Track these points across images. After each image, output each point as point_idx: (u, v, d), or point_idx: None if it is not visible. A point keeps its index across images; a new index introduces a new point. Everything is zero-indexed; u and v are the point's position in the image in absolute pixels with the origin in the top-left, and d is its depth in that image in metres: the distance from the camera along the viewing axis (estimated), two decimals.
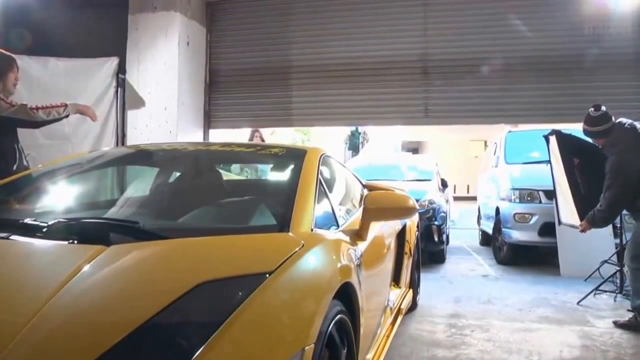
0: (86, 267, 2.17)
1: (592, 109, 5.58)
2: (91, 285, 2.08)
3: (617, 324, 5.36)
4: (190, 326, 1.90)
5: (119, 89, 8.54)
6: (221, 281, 2.06)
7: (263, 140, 8.46)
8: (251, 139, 9.54)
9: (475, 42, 8.67)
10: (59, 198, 3.48)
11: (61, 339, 1.84)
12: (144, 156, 4.30)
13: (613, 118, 5.51)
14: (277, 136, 17.09)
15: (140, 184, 4.18)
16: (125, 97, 8.62)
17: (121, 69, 8.58)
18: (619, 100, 8.22)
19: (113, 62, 8.51)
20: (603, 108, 5.55)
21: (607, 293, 6.51)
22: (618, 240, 6.92)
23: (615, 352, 4.63)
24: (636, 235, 5.38)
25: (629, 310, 5.47)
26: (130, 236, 2.49)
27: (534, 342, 4.85)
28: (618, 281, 6.59)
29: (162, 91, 8.55)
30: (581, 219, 5.79)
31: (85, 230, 2.55)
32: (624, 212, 6.83)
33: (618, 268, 6.62)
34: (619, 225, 6.86)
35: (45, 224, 2.57)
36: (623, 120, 5.48)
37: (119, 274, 2.16)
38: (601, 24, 8.20)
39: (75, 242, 2.43)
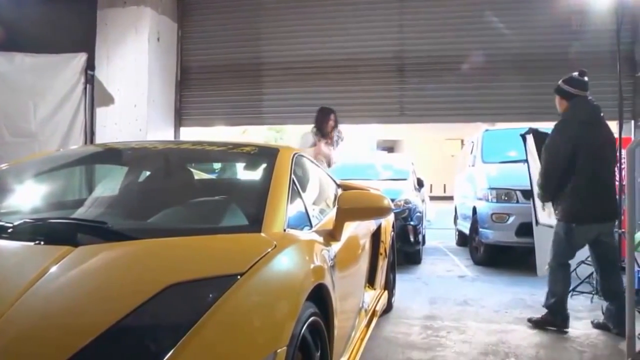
0: (53, 269, 2.17)
1: (577, 73, 5.66)
2: (58, 287, 2.08)
3: (531, 321, 5.53)
4: (160, 329, 1.90)
5: (87, 85, 8.49)
6: (192, 283, 2.07)
7: (336, 124, 7.84)
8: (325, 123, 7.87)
9: (452, 39, 8.74)
10: (25, 198, 3.45)
11: (28, 341, 1.84)
12: (113, 155, 4.28)
13: (588, 93, 5.56)
14: (249, 135, 17.05)
15: (109, 184, 4.15)
16: (94, 94, 8.57)
17: (90, 65, 8.53)
18: (598, 99, 8.29)
19: (81, 58, 8.45)
20: (586, 78, 5.62)
21: (584, 294, 6.57)
22: None
23: (592, 353, 4.69)
24: (555, 234, 5.50)
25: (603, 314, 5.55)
26: (98, 237, 2.48)
27: (510, 344, 4.90)
28: (595, 282, 6.66)
29: (132, 88, 8.52)
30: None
31: (52, 231, 2.53)
32: None
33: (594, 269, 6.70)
34: None
35: (11, 225, 2.55)
36: (588, 102, 5.53)
37: (87, 275, 2.15)
38: (580, 22, 8.29)
39: (42, 243, 2.41)
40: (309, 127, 7.89)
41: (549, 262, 5.55)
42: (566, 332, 5.29)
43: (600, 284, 5.55)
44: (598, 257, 5.51)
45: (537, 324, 5.47)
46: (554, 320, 5.40)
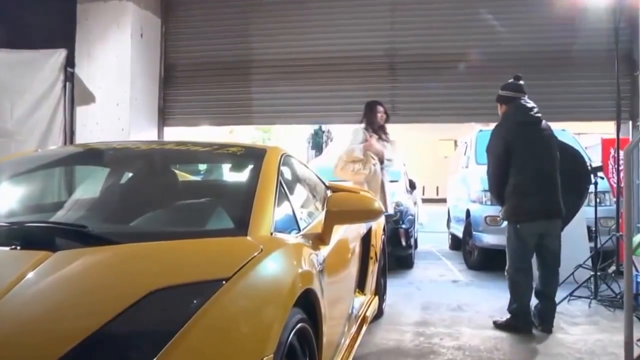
0: (30, 275, 2.15)
1: (513, 78, 5.88)
2: (36, 293, 2.06)
3: (495, 324, 5.65)
4: (142, 336, 1.89)
5: (67, 83, 8.42)
6: (175, 288, 2.07)
7: (388, 117, 7.78)
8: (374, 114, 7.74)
9: (445, 37, 8.76)
10: (1, 200, 3.44)
11: (5, 349, 1.82)
12: (93, 155, 4.26)
13: (525, 97, 5.75)
14: (236, 135, 17.03)
15: (90, 186, 4.14)
16: (74, 93, 8.52)
17: (70, 62, 8.47)
18: (593, 98, 8.38)
19: (61, 54, 8.38)
20: (521, 82, 5.84)
21: (582, 299, 6.59)
22: (593, 244, 7.02)
23: None
24: (508, 238, 5.68)
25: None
26: (78, 241, 2.46)
27: (505, 350, 4.91)
28: (593, 286, 6.68)
29: (114, 86, 8.48)
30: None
31: (29, 235, 2.52)
32: (599, 215, 6.99)
33: (593, 273, 6.72)
34: (594, 229, 6.98)
35: None
36: (527, 103, 5.71)
37: (66, 281, 2.14)
38: (575, 21, 8.31)
39: (19, 247, 2.40)
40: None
41: (506, 269, 5.67)
42: (534, 335, 5.40)
43: (538, 285, 5.67)
44: (539, 261, 5.69)
45: (501, 327, 5.58)
46: (516, 324, 5.52)
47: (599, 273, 6.73)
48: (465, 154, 10.83)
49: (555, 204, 5.56)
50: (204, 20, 9.42)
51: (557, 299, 6.35)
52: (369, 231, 5.22)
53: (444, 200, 13.97)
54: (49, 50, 8.38)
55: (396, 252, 8.74)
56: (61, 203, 3.75)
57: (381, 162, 7.47)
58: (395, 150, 7.85)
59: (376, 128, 7.57)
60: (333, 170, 7.59)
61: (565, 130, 9.23)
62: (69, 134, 8.46)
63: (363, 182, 7.25)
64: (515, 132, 5.54)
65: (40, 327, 1.91)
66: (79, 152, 4.49)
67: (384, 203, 7.37)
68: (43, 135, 8.21)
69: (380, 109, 7.63)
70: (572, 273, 7.05)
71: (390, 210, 8.00)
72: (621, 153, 7.20)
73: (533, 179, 5.48)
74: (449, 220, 12.34)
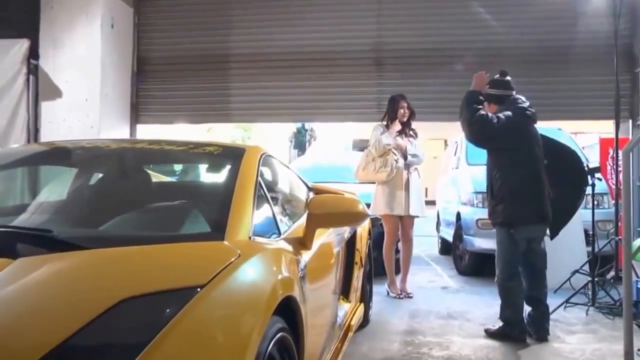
0: None
1: (499, 75, 5.93)
2: None
3: (487, 332, 5.68)
4: (112, 348, 1.88)
5: (30, 76, 8.32)
6: (147, 296, 2.05)
7: (412, 112, 7.82)
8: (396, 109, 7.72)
9: (435, 31, 8.78)
10: None
11: None
12: (60, 154, 4.22)
13: (514, 92, 5.82)
14: (214, 133, 16.99)
15: (56, 187, 4.12)
16: (39, 87, 8.43)
17: (33, 54, 8.37)
18: (591, 96, 8.41)
19: (23, 45, 8.27)
20: (508, 78, 5.89)
21: (579, 306, 6.61)
22: (590, 249, 7.05)
23: None
24: (499, 244, 5.71)
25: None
26: (41, 247, 2.44)
27: None
28: (590, 293, 6.71)
29: (82, 80, 8.41)
30: (550, 223, 5.91)
31: None
32: (597, 218, 7.02)
33: (590, 279, 6.74)
34: (591, 232, 7.00)
35: None
36: (521, 98, 5.76)
37: (28, 290, 2.12)
38: (573, 15, 8.35)
39: None
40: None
41: (497, 275, 5.69)
42: (528, 344, 5.41)
43: (527, 291, 5.66)
44: (527, 265, 5.66)
45: (493, 335, 5.60)
46: (511, 332, 5.54)
47: (597, 279, 6.75)
48: (455, 154, 10.84)
49: (547, 208, 5.59)
50: (180, 10, 9.39)
51: (553, 306, 6.40)
52: (354, 235, 5.22)
53: (433, 203, 13.99)
54: (10, 40, 8.28)
55: (382, 257, 8.72)
56: (24, 206, 3.73)
57: (404, 157, 7.45)
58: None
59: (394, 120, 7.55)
60: (355, 173, 7.63)
61: (562, 130, 9.27)
62: (33, 131, 8.37)
63: (385, 182, 7.26)
64: (522, 129, 5.59)
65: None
66: (44, 151, 4.43)
67: (407, 204, 7.39)
68: (3, 133, 8.12)
69: (403, 104, 7.62)
70: (569, 279, 7.08)
71: (421, 214, 8.05)
72: (620, 153, 7.25)
73: (529, 182, 5.51)
74: (438, 224, 12.36)
